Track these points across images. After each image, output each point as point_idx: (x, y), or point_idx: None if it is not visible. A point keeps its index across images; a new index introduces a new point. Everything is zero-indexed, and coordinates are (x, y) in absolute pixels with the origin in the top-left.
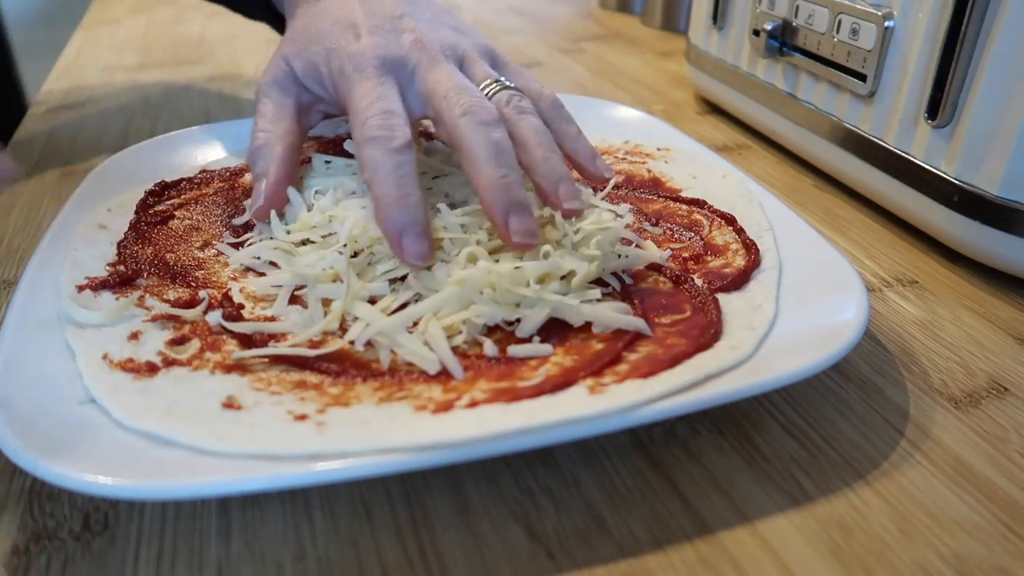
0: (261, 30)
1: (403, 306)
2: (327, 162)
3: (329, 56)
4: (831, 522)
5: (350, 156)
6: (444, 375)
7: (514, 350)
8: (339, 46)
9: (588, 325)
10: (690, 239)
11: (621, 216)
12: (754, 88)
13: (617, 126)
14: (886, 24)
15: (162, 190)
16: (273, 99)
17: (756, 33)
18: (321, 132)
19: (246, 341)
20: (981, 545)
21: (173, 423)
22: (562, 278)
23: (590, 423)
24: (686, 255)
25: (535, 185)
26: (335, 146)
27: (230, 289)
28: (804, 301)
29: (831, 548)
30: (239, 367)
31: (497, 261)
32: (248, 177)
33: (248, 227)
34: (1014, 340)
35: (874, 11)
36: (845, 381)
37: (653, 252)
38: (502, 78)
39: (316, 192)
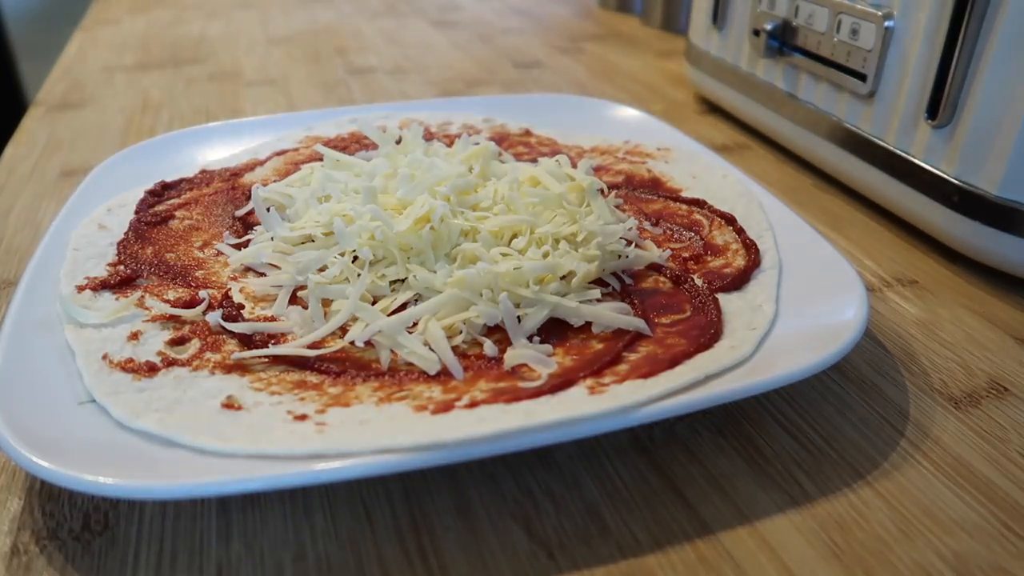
0: (261, 30)
1: (403, 307)
2: (336, 160)
3: None
4: (831, 522)
5: (352, 155)
6: (444, 375)
7: (513, 353)
8: None
9: (588, 325)
10: (690, 239)
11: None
12: (754, 88)
13: (617, 126)
14: (886, 24)
15: (162, 190)
16: None
17: (756, 33)
18: (321, 132)
19: (246, 341)
20: (981, 545)
21: (173, 423)
22: (562, 278)
23: (590, 423)
24: (686, 255)
25: None
26: (336, 146)
27: (230, 289)
28: (804, 301)
29: (831, 548)
30: (239, 367)
31: (496, 262)
32: (248, 177)
33: (249, 225)
34: (1014, 340)
35: (874, 11)
36: (845, 381)
37: (653, 252)
38: None
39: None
